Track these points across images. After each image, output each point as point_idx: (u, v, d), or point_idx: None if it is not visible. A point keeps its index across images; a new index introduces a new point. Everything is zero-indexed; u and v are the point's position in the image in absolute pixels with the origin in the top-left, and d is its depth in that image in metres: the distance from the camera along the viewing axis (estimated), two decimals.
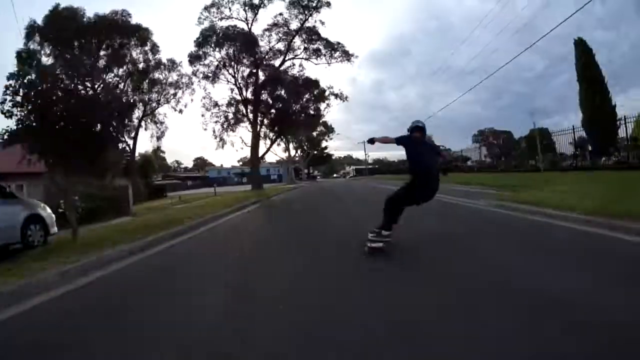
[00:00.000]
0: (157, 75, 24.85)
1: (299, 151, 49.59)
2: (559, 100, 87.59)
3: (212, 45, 21.41)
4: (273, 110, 22.05)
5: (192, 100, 23.15)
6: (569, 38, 18.96)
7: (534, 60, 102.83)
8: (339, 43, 21.76)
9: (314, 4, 20.67)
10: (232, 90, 22.55)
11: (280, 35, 21.76)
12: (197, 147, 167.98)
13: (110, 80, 22.32)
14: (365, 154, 52.68)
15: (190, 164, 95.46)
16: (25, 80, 5.73)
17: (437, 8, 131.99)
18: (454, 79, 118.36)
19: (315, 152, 53.25)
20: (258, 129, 21.63)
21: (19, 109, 5.61)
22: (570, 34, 23.53)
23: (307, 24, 21.28)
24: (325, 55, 21.65)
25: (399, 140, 3.90)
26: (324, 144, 52.14)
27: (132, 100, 14.52)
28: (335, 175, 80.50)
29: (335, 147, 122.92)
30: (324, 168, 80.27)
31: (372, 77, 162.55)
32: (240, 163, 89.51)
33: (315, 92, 23.18)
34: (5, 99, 5.58)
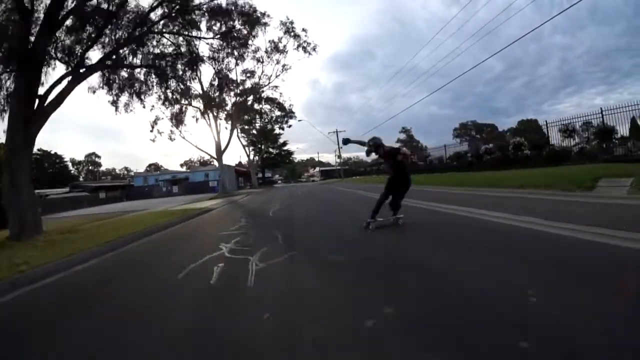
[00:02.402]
0: None
1: (248, 149, 37.06)
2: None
3: None
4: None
5: None
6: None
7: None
8: None
9: None
10: None
11: None
12: (154, 151, 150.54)
13: None
14: (339, 146, 39.37)
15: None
16: None
17: (401, 11, 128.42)
18: (414, 79, 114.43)
19: (272, 149, 40.81)
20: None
21: None
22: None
23: None
24: None
25: (376, 150, 5.09)
26: (282, 138, 39.92)
27: None
28: (302, 178, 68.04)
29: (295, 149, 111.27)
30: (285, 171, 67.84)
31: (334, 79, 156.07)
32: (184, 167, 74.47)
33: None
34: None
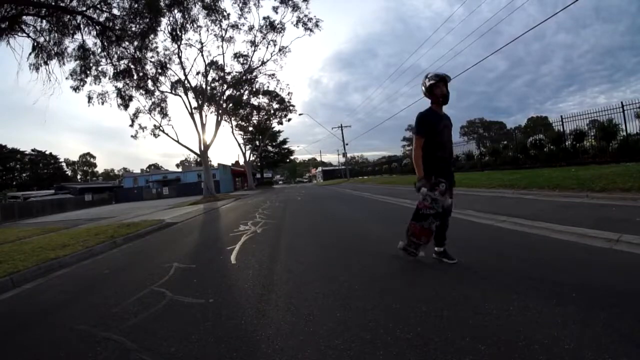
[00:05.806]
0: None
1: (244, 147, 33.80)
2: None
3: None
4: None
5: None
6: None
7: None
8: None
9: None
10: None
11: None
12: (155, 152, 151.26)
13: None
14: (344, 143, 34.81)
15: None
16: None
17: (403, 10, 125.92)
18: (416, 77, 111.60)
19: (271, 147, 37.46)
20: None
21: None
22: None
23: None
24: None
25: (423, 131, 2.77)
26: (281, 136, 36.57)
27: None
28: (304, 179, 64.53)
29: (297, 148, 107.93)
30: (286, 172, 64.51)
31: (336, 79, 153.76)
32: (180, 168, 71.32)
33: None
34: None
